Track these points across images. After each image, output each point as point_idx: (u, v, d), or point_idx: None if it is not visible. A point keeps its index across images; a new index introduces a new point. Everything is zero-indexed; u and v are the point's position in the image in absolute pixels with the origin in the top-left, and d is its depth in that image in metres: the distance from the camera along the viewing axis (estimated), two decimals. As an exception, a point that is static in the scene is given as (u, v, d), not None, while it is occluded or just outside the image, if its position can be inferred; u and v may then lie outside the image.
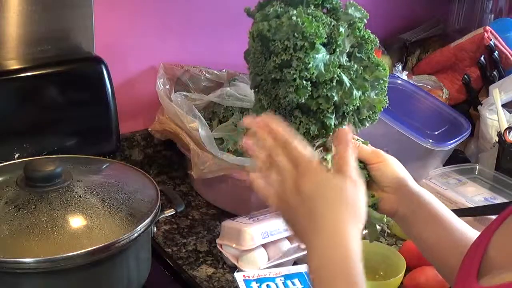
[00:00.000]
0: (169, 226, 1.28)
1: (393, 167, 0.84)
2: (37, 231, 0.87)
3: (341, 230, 0.67)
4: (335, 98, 0.81)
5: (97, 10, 1.27)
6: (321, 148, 0.84)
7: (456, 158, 1.54)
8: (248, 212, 1.19)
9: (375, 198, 0.83)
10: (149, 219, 0.95)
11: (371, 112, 0.86)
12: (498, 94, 1.47)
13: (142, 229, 0.93)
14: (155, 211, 0.97)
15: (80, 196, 0.94)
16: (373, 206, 0.83)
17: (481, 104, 1.55)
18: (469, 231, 0.82)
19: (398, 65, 1.67)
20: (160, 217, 1.01)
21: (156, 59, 1.43)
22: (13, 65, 1.20)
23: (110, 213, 0.93)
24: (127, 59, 1.40)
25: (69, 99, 1.23)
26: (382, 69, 0.85)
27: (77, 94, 1.25)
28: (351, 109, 0.83)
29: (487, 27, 1.63)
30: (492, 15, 1.87)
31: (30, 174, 0.94)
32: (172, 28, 1.45)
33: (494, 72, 1.63)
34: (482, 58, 1.63)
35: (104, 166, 1.12)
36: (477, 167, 1.45)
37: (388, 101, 0.87)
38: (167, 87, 1.37)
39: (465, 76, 1.64)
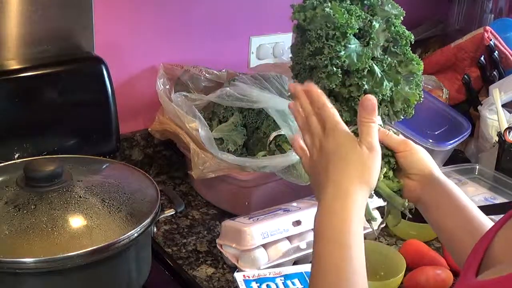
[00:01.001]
0: (169, 226, 1.28)
1: (420, 156, 0.87)
2: (37, 231, 0.87)
3: (348, 189, 0.74)
4: (366, 86, 0.86)
5: (97, 10, 1.27)
6: (352, 134, 0.87)
7: (456, 158, 1.54)
8: (248, 212, 1.19)
9: (400, 184, 0.87)
10: (149, 219, 0.95)
11: (405, 105, 0.91)
12: (498, 94, 1.47)
13: (142, 229, 0.93)
14: (155, 211, 0.97)
15: (80, 196, 0.94)
16: (398, 191, 0.86)
17: (481, 104, 1.55)
18: (488, 223, 0.83)
19: (398, 65, 1.67)
20: (160, 217, 1.01)
21: (156, 59, 1.43)
22: (13, 65, 1.20)
23: (110, 213, 0.93)
24: (127, 59, 1.40)
25: (69, 99, 1.23)
26: (416, 63, 0.90)
27: (77, 94, 1.25)
28: (381, 98, 0.87)
29: (487, 27, 1.63)
30: (492, 15, 1.87)
31: (30, 174, 0.94)
32: (172, 28, 1.45)
33: (494, 72, 1.63)
34: (482, 58, 1.63)
35: (104, 166, 1.12)
36: (477, 167, 1.45)
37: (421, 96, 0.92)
38: (167, 87, 1.37)
39: (465, 76, 1.64)
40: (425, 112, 1.54)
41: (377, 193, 0.87)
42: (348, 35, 0.84)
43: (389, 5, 0.91)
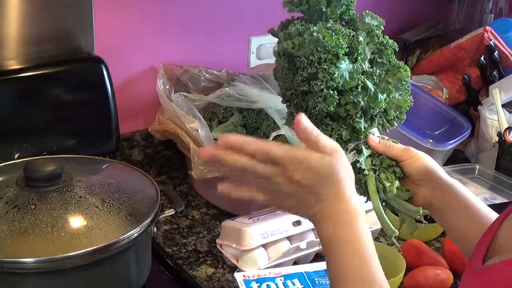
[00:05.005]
0: (169, 226, 1.28)
1: (424, 161, 0.87)
2: (37, 231, 0.87)
3: (347, 200, 0.71)
4: (362, 103, 0.86)
5: (97, 10, 1.27)
6: (354, 151, 0.88)
7: (456, 158, 1.54)
8: (248, 212, 1.19)
9: (410, 192, 0.87)
10: (149, 219, 0.95)
11: (398, 112, 0.91)
12: (498, 94, 1.47)
13: (142, 229, 0.93)
14: (155, 211, 0.97)
15: (80, 196, 0.94)
16: (409, 200, 0.87)
17: (481, 104, 1.55)
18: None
19: (398, 65, 1.67)
20: (160, 217, 1.01)
21: (156, 59, 1.43)
22: (13, 65, 1.20)
23: (110, 213, 0.93)
24: (127, 59, 1.40)
25: (69, 99, 1.23)
26: (403, 70, 0.90)
27: (77, 94, 1.25)
28: (377, 111, 0.87)
29: (487, 27, 1.63)
30: (492, 15, 1.87)
31: (30, 174, 0.94)
32: (172, 28, 1.45)
33: (494, 72, 1.63)
34: (482, 58, 1.63)
35: (104, 166, 1.12)
36: (477, 167, 1.45)
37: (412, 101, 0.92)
38: (167, 87, 1.37)
39: (465, 76, 1.64)
40: (425, 112, 1.54)
41: (389, 205, 0.87)
42: (341, 56, 0.84)
43: (369, 17, 0.90)
